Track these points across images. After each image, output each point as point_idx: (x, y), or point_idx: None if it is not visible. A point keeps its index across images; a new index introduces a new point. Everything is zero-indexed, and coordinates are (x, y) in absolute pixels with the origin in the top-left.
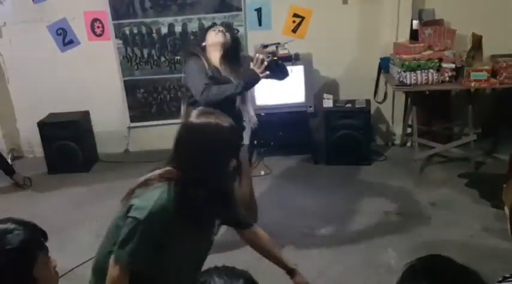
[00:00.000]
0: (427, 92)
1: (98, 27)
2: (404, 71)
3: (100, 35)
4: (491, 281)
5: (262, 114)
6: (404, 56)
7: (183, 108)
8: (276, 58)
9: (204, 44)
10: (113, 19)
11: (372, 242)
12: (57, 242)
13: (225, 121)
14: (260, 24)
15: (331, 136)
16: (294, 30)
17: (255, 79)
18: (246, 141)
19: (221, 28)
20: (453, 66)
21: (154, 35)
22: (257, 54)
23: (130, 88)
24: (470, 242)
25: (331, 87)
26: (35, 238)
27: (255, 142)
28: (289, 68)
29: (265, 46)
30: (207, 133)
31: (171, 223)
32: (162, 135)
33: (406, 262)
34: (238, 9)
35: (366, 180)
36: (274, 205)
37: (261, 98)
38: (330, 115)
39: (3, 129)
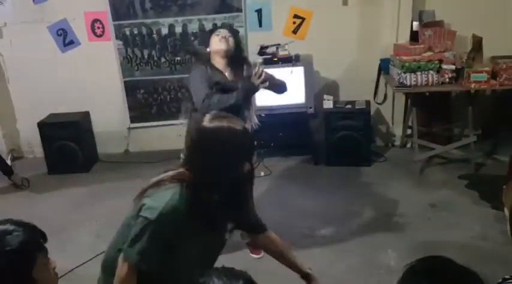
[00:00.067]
0: (427, 93)
1: (98, 27)
2: (405, 72)
3: (100, 36)
4: (491, 283)
5: (263, 114)
6: (404, 57)
7: (183, 110)
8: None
9: (208, 49)
10: (113, 20)
11: (371, 243)
12: (57, 243)
13: (238, 124)
14: (260, 25)
15: (331, 137)
16: (295, 31)
17: (253, 90)
18: None
19: (224, 33)
20: (453, 67)
21: (154, 35)
22: (257, 67)
23: (130, 89)
24: (470, 244)
25: (331, 88)
26: (34, 239)
27: (255, 143)
28: (289, 69)
29: (266, 47)
30: (219, 137)
31: (181, 224)
32: (162, 135)
33: (406, 262)
34: (239, 10)
35: (366, 181)
36: (274, 206)
37: (261, 99)
38: (330, 116)
39: (3, 129)
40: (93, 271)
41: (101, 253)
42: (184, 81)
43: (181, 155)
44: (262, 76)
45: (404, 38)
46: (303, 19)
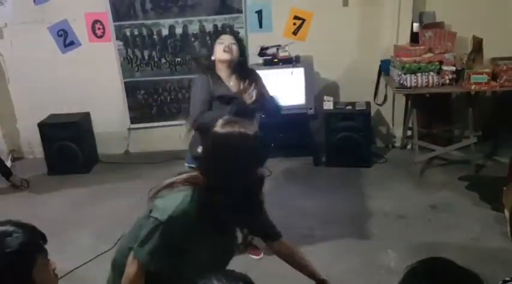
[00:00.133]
0: (428, 95)
1: (99, 28)
2: (405, 74)
3: (101, 37)
4: None
5: (263, 115)
6: (404, 59)
7: (187, 123)
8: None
9: (213, 58)
10: (114, 21)
11: (372, 244)
12: (56, 244)
13: (251, 129)
14: (261, 26)
15: (331, 138)
16: (295, 33)
17: (244, 109)
18: None
19: (228, 41)
20: (453, 68)
21: (155, 36)
22: (251, 89)
23: (130, 89)
24: (471, 245)
25: (332, 89)
26: (34, 240)
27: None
28: (289, 70)
29: (266, 48)
30: (231, 143)
31: (192, 227)
32: (162, 136)
33: (406, 263)
34: (239, 11)
35: (366, 182)
36: (274, 206)
37: None
38: (330, 117)
39: (4, 130)
40: (93, 272)
41: (101, 254)
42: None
43: (188, 155)
44: (253, 98)
45: (405, 39)
46: (303, 20)
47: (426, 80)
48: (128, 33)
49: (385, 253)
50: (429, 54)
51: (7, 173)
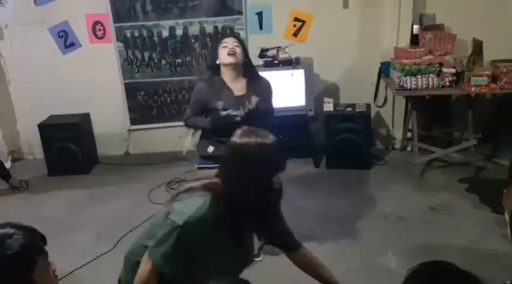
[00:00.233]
0: (428, 97)
1: (100, 29)
2: (405, 76)
3: (101, 38)
4: None
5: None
6: (404, 61)
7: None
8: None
9: (217, 62)
10: (114, 22)
11: (372, 246)
12: (56, 245)
13: (268, 138)
14: (261, 28)
15: (331, 140)
16: (295, 34)
17: (224, 121)
18: None
19: (231, 44)
20: (453, 71)
21: (155, 38)
22: (238, 111)
23: (130, 90)
24: (471, 247)
25: (332, 90)
26: (34, 242)
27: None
28: (290, 72)
29: (266, 50)
30: (249, 153)
31: (208, 233)
32: (162, 137)
33: (406, 265)
34: (239, 12)
35: (366, 184)
36: None
37: None
38: (330, 119)
39: (4, 131)
40: (93, 273)
41: (101, 255)
42: None
43: (197, 156)
44: (236, 120)
45: (405, 41)
46: (304, 22)
47: (426, 82)
48: (129, 35)
49: (385, 255)
50: (429, 56)
51: (6, 175)
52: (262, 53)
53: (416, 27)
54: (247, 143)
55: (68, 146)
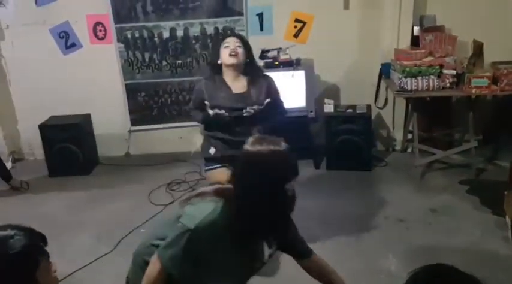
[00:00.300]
0: (428, 98)
1: (100, 30)
2: (405, 77)
3: (102, 39)
4: None
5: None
6: (405, 62)
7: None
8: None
9: (219, 61)
10: (115, 23)
11: (372, 247)
12: (57, 246)
13: (280, 145)
14: (262, 29)
15: (331, 141)
16: (296, 35)
17: (215, 119)
18: None
19: (233, 44)
20: (454, 72)
21: (156, 39)
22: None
23: (131, 91)
24: (471, 249)
25: (332, 92)
26: (35, 243)
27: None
28: (290, 73)
29: (267, 51)
30: (262, 161)
31: (218, 239)
32: (162, 138)
33: (407, 267)
34: (240, 13)
35: (367, 186)
36: None
37: None
38: (330, 120)
39: (4, 131)
40: (93, 275)
41: (102, 256)
42: None
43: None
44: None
45: (405, 43)
46: (304, 23)
47: (427, 84)
48: (129, 35)
49: (385, 257)
50: (430, 58)
51: (7, 177)
52: (263, 54)
53: (416, 28)
54: (260, 151)
55: (69, 147)
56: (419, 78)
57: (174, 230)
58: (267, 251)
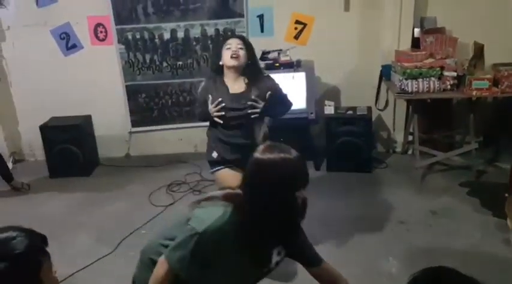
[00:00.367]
0: (429, 100)
1: (101, 32)
2: (406, 79)
3: (103, 40)
4: None
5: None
6: (405, 64)
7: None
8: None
9: (220, 63)
10: (116, 24)
11: (372, 250)
12: (57, 247)
13: (290, 153)
14: (262, 31)
15: (332, 143)
16: (296, 37)
17: (207, 116)
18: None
19: (235, 46)
20: (455, 74)
21: (156, 40)
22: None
23: (132, 93)
24: (471, 251)
25: (333, 93)
26: (37, 243)
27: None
28: (291, 75)
29: (267, 52)
30: (270, 170)
31: (226, 244)
32: (163, 139)
33: (407, 269)
34: (241, 15)
35: (367, 187)
36: None
37: None
38: (331, 122)
39: (5, 132)
40: (94, 276)
41: (102, 257)
42: None
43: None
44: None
45: (406, 45)
46: (305, 25)
47: (427, 86)
48: (130, 37)
49: (385, 259)
50: (430, 60)
51: (9, 177)
52: (264, 56)
53: (417, 30)
54: (270, 159)
55: (69, 148)
56: (420, 79)
57: (183, 232)
58: (275, 258)
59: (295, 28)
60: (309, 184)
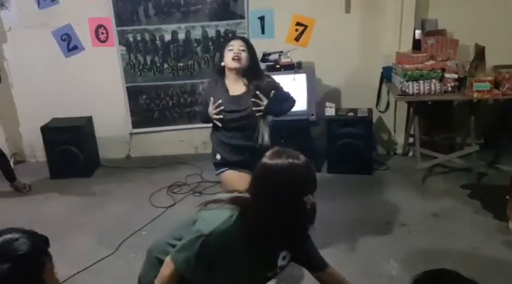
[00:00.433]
0: (430, 102)
1: (102, 33)
2: (407, 81)
3: (104, 41)
4: None
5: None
6: (406, 66)
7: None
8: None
9: (222, 64)
10: (117, 26)
11: (373, 252)
12: (58, 248)
13: (298, 158)
14: (263, 32)
15: (332, 145)
16: (297, 39)
17: (207, 118)
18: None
19: (237, 48)
20: (456, 76)
21: (157, 41)
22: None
23: (133, 94)
24: (472, 253)
25: (334, 95)
26: (39, 244)
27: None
28: (291, 76)
29: (268, 54)
30: (278, 175)
31: (231, 247)
32: (164, 141)
33: (408, 272)
34: (242, 17)
35: (367, 189)
36: None
37: None
38: (331, 123)
39: (6, 133)
40: (94, 277)
41: (102, 258)
42: None
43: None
44: (218, 116)
45: (407, 46)
46: (306, 26)
47: (428, 87)
48: (131, 38)
49: (386, 261)
50: (431, 62)
51: (12, 177)
52: (264, 57)
53: (418, 32)
54: (278, 164)
55: (70, 149)
56: (421, 81)
57: (189, 233)
58: (280, 262)
59: (296, 30)
60: (315, 189)
